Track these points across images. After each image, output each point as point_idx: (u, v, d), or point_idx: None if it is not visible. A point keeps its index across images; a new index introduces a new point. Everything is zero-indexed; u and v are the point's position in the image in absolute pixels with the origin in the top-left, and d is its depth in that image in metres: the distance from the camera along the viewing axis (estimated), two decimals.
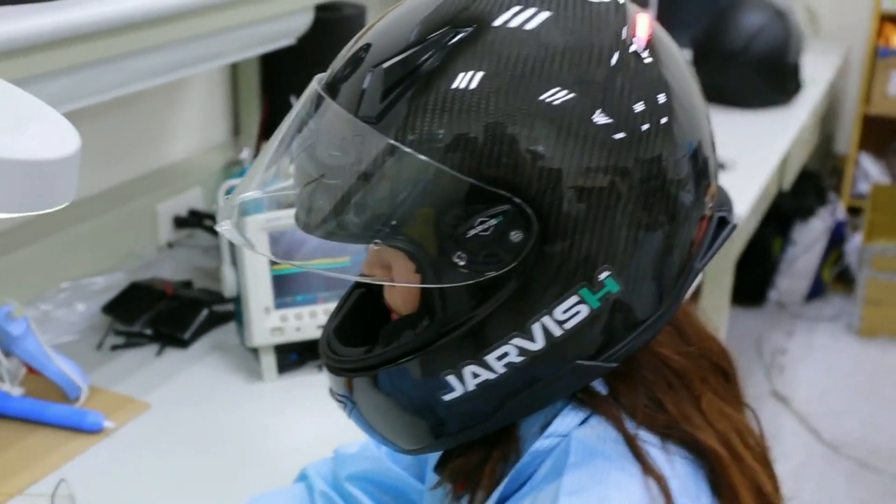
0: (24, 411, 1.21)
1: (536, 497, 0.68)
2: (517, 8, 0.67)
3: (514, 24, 0.66)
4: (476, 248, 0.65)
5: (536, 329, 0.67)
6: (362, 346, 0.74)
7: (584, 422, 0.70)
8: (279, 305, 1.30)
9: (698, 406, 0.73)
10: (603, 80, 0.65)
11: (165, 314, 1.42)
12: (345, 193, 0.67)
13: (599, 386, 0.72)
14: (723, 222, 0.74)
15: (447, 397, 0.70)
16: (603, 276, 0.66)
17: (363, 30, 0.71)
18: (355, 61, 0.68)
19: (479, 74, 0.64)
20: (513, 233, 0.65)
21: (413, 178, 0.65)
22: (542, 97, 0.64)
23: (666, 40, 0.71)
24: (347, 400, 0.74)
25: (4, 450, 1.17)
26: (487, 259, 0.65)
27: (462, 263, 0.66)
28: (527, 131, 0.63)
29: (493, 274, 0.66)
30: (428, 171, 0.64)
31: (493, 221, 0.64)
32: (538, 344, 0.67)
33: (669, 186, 0.67)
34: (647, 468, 0.68)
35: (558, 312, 0.67)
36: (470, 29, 0.66)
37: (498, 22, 0.66)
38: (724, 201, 0.76)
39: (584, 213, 0.65)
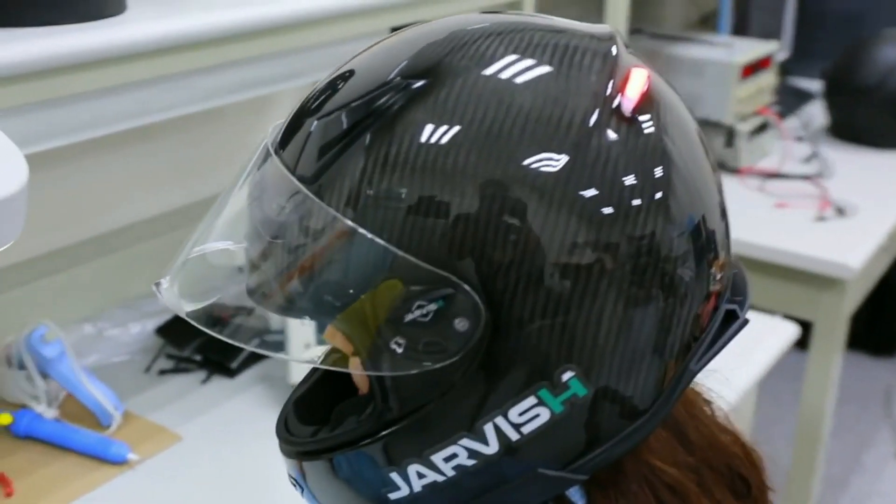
0: (52, 435, 1.19)
1: None
2: (484, 58, 0.57)
3: (472, 77, 0.56)
4: (415, 335, 0.55)
5: (489, 430, 0.57)
6: (324, 421, 0.67)
7: None
8: (321, 342, 1.24)
9: None
10: (570, 146, 0.55)
11: (216, 341, 1.36)
12: (276, 260, 0.59)
13: (577, 497, 0.62)
14: (731, 316, 0.62)
15: (393, 496, 0.61)
16: (566, 376, 0.56)
17: (333, 69, 0.63)
18: (304, 110, 0.60)
19: (421, 134, 0.55)
20: (457, 320, 0.55)
21: (343, 248, 0.56)
22: (492, 163, 0.54)
23: (669, 99, 0.60)
24: (297, 483, 0.66)
25: (30, 474, 1.15)
26: (428, 348, 0.56)
27: (399, 351, 0.56)
28: (468, 201, 0.53)
29: (433, 366, 0.56)
30: (359, 243, 0.55)
31: (433, 306, 0.55)
32: (491, 448, 0.58)
33: (661, 269, 0.57)
34: None
35: (513, 414, 0.57)
36: (425, 81, 0.56)
37: (457, 74, 0.57)
38: (739, 289, 0.64)
39: (543, 301, 0.54)
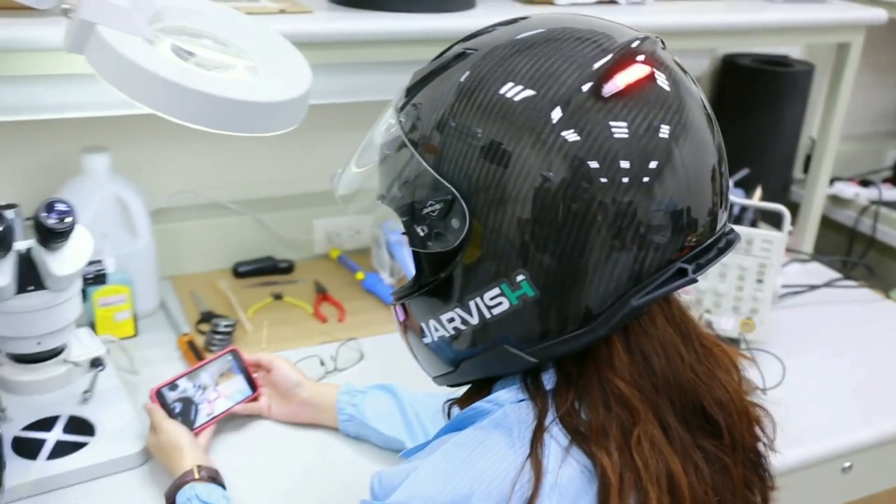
0: (382, 294, 1.69)
1: (449, 439, 0.79)
2: (512, 38, 0.78)
3: (500, 51, 0.77)
4: (430, 224, 0.78)
5: (472, 306, 0.78)
6: None
7: (520, 401, 0.78)
8: None
9: (626, 434, 0.75)
10: (538, 114, 0.74)
11: None
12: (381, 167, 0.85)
13: (548, 379, 0.79)
14: (682, 272, 0.76)
15: (425, 340, 0.85)
16: (519, 278, 0.75)
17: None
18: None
19: (454, 93, 0.78)
20: (453, 220, 0.76)
21: (404, 162, 0.80)
22: (497, 120, 0.75)
23: (676, 101, 0.76)
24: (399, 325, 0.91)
25: (361, 312, 1.65)
26: (437, 236, 0.78)
27: (422, 234, 0.79)
28: (472, 148, 0.75)
29: (440, 248, 0.78)
30: (411, 160, 0.79)
31: (439, 206, 0.77)
32: (474, 319, 0.79)
33: (593, 221, 0.72)
34: (533, 454, 0.74)
35: (487, 298, 0.77)
36: (469, 52, 0.79)
37: (488, 48, 0.78)
38: (710, 256, 0.78)
39: (509, 221, 0.74)
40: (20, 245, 1.11)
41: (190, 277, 1.73)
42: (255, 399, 1.32)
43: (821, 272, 1.93)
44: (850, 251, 2.37)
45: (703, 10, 1.72)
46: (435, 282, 0.81)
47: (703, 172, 0.77)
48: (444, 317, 0.82)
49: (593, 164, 0.73)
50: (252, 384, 1.33)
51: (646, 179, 0.73)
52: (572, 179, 0.73)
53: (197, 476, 1.11)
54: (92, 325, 1.48)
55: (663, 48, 0.81)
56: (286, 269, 1.78)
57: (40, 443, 1.21)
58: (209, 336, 1.50)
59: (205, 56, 1.09)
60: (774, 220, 1.67)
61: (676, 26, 1.63)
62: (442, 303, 0.81)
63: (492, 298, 0.77)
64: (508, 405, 0.79)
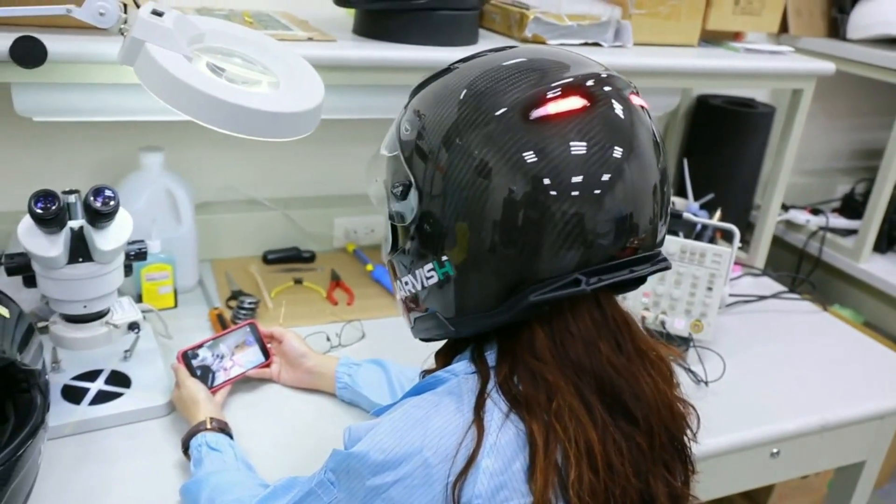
0: (385, 282, 1.70)
1: (409, 401, 0.80)
2: (485, 62, 0.80)
3: (462, 67, 0.81)
4: (395, 202, 0.83)
5: (417, 274, 0.83)
6: None
7: (472, 373, 0.80)
8: None
9: (550, 403, 0.76)
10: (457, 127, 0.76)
11: None
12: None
13: (490, 355, 0.81)
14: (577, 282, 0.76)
15: (397, 296, 0.90)
16: (444, 258, 0.79)
17: None
18: None
19: (424, 101, 0.82)
20: (409, 202, 0.81)
21: (394, 156, 0.85)
22: (443, 130, 0.78)
23: (614, 128, 0.75)
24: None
25: (368, 298, 1.66)
26: (400, 214, 0.83)
27: (393, 210, 0.84)
28: (426, 151, 0.79)
29: (402, 224, 0.82)
30: (396, 155, 0.84)
31: (400, 188, 0.82)
32: (418, 286, 0.84)
33: (511, 226, 0.74)
34: (477, 417, 0.75)
35: (426, 270, 0.81)
36: (452, 68, 0.83)
37: (463, 68, 0.81)
38: (611, 269, 0.76)
39: (441, 212, 0.78)
40: (74, 223, 1.14)
41: (226, 261, 1.75)
42: (267, 366, 1.34)
43: (770, 285, 1.92)
44: (799, 269, 2.35)
45: (678, 54, 1.72)
46: (400, 249, 0.85)
47: (645, 188, 0.77)
48: (404, 279, 0.86)
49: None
50: (265, 352, 1.35)
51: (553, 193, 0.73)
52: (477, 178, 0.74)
53: (209, 426, 1.12)
54: (139, 296, 1.51)
55: (627, 86, 0.79)
56: (308, 258, 1.80)
57: (85, 391, 1.23)
58: (235, 311, 1.52)
59: (235, 72, 1.11)
60: (730, 238, 1.67)
61: (652, 67, 1.63)
62: (404, 267, 0.86)
63: (428, 271, 0.81)
64: (462, 375, 0.80)
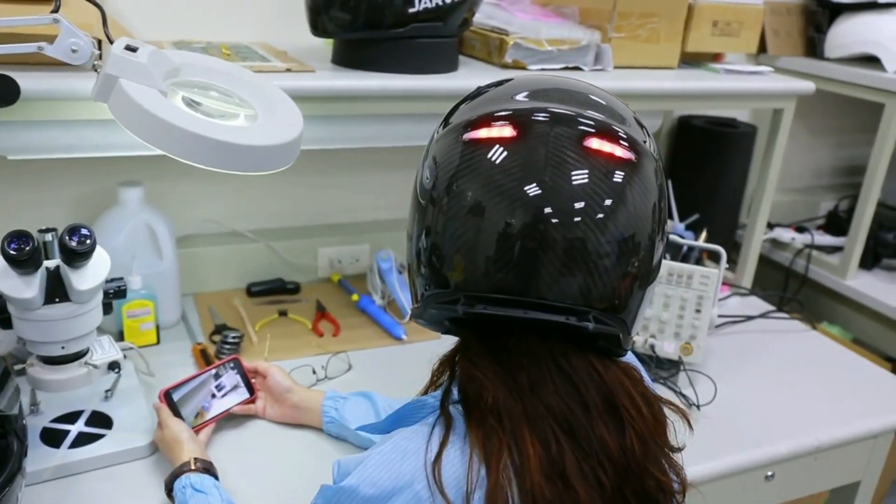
0: (373, 313, 1.68)
1: (400, 432, 0.82)
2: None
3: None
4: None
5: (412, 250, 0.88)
6: None
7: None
8: None
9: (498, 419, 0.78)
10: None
11: None
12: None
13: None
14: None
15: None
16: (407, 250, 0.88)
17: None
18: None
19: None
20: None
21: None
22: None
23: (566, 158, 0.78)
24: None
25: (353, 328, 1.64)
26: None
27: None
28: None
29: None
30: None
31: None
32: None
33: (432, 235, 0.81)
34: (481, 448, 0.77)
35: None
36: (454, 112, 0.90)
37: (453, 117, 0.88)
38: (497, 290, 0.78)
39: (424, 221, 0.84)
40: (49, 263, 1.11)
41: (209, 295, 1.73)
42: (252, 401, 1.32)
43: (758, 305, 1.91)
44: (786, 287, 2.34)
45: (659, 77, 1.72)
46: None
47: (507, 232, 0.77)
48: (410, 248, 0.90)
49: None
50: (250, 388, 1.32)
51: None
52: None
53: (193, 467, 1.10)
54: (120, 333, 1.48)
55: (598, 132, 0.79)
56: (293, 289, 1.78)
57: (65, 433, 1.21)
58: (219, 345, 1.50)
59: (211, 105, 1.09)
60: (717, 259, 1.66)
61: (633, 90, 1.63)
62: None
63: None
64: (451, 402, 0.81)
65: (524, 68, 1.61)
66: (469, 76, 1.52)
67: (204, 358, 1.46)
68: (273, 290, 1.77)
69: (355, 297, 1.74)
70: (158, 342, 1.52)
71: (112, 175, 1.57)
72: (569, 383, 0.79)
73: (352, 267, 1.87)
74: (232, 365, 1.32)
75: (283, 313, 1.68)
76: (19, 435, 0.99)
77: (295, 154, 1.11)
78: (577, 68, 1.66)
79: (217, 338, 1.54)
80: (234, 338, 1.50)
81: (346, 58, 1.49)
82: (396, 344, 1.61)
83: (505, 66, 1.60)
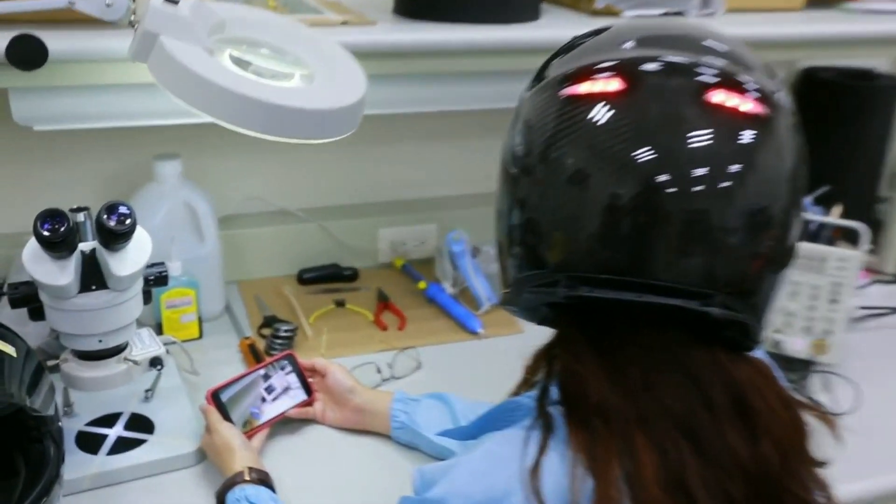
0: (443, 302, 1.71)
1: (492, 436, 0.84)
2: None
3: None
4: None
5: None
6: None
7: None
8: None
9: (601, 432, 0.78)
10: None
11: None
12: None
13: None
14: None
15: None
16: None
17: None
18: None
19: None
20: None
21: None
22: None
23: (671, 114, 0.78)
24: None
25: (420, 321, 1.67)
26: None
27: None
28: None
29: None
30: None
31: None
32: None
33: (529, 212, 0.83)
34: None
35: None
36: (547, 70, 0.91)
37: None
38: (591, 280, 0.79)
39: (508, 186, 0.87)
40: (85, 246, 1.16)
41: (255, 282, 1.78)
42: (309, 404, 1.35)
43: None
44: None
45: (780, 21, 1.69)
46: None
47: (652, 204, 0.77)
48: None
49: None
50: (307, 388, 1.36)
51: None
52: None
53: (247, 478, 1.13)
54: (159, 326, 1.53)
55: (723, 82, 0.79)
56: (350, 276, 1.82)
57: (102, 438, 1.26)
58: (270, 340, 1.54)
59: (262, 65, 1.12)
60: (853, 239, 1.63)
61: (750, 37, 1.60)
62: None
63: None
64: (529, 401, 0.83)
65: (617, 15, 1.60)
66: (554, 25, 1.53)
67: (253, 354, 1.50)
68: (328, 277, 1.80)
69: (422, 284, 1.76)
70: (201, 336, 1.57)
71: (147, 148, 1.62)
72: (689, 379, 0.79)
73: (417, 250, 1.90)
74: (285, 362, 1.36)
75: (339, 303, 1.71)
76: (56, 438, 1.04)
77: (357, 119, 1.14)
78: (679, 13, 1.65)
79: (267, 331, 1.58)
80: (286, 331, 1.54)
81: (410, 7, 1.50)
82: (471, 339, 1.63)
83: (595, 14, 1.60)
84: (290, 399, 1.34)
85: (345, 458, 1.29)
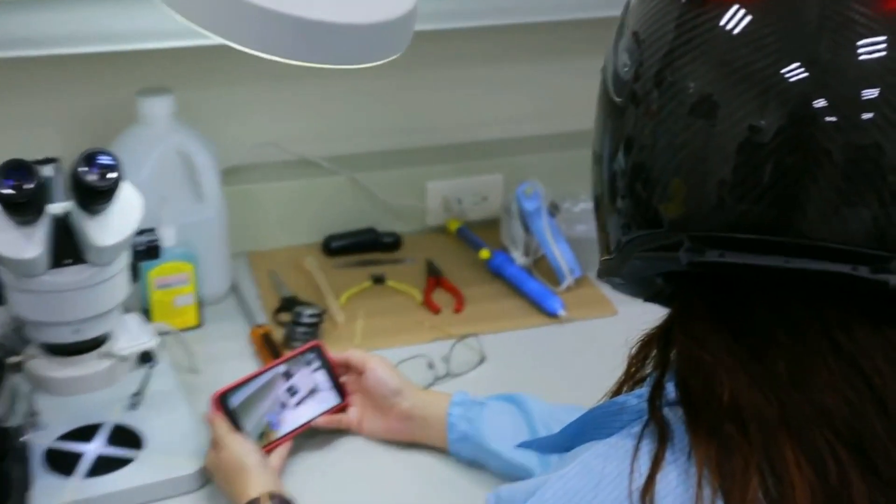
0: (512, 277, 1.69)
1: (591, 447, 0.82)
2: None
3: None
4: None
5: None
6: None
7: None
8: None
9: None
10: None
11: None
12: None
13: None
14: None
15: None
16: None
17: None
18: None
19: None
20: None
21: None
22: None
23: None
24: None
25: (482, 301, 1.66)
26: None
27: None
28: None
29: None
30: None
31: None
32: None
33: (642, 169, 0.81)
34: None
35: None
36: None
37: None
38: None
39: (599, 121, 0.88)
40: (56, 208, 1.15)
41: (269, 254, 1.77)
42: (342, 409, 1.34)
43: None
44: None
45: None
46: None
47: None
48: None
49: None
50: (339, 390, 1.35)
51: None
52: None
53: None
54: (146, 312, 1.53)
55: None
56: (391, 244, 1.81)
57: (78, 456, 1.25)
58: (290, 328, 1.53)
59: None
60: None
61: None
62: None
63: None
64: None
65: None
66: None
67: (269, 347, 1.49)
68: (362, 246, 1.79)
69: (485, 253, 1.74)
70: (200, 324, 1.57)
71: (128, 80, 1.60)
72: (855, 372, 0.77)
73: (477, 209, 1.88)
74: (311, 356, 1.35)
75: (378, 279, 1.70)
76: (21, 457, 1.03)
77: (406, 38, 1.12)
78: None
79: (286, 317, 1.57)
80: (310, 317, 1.53)
81: None
82: (551, 323, 1.61)
83: None
84: (318, 404, 1.33)
85: (389, 478, 1.28)
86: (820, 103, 0.74)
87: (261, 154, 1.79)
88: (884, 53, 0.74)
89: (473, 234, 1.82)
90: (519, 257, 1.72)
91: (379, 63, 1.10)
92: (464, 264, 1.75)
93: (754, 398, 0.77)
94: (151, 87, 1.56)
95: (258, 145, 1.78)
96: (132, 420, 1.31)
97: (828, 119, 0.74)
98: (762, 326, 0.80)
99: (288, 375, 1.33)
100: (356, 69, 1.08)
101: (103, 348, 1.24)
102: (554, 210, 1.72)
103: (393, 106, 1.85)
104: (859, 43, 0.75)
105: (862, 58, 0.75)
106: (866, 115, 0.74)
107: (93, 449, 1.26)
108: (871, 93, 0.74)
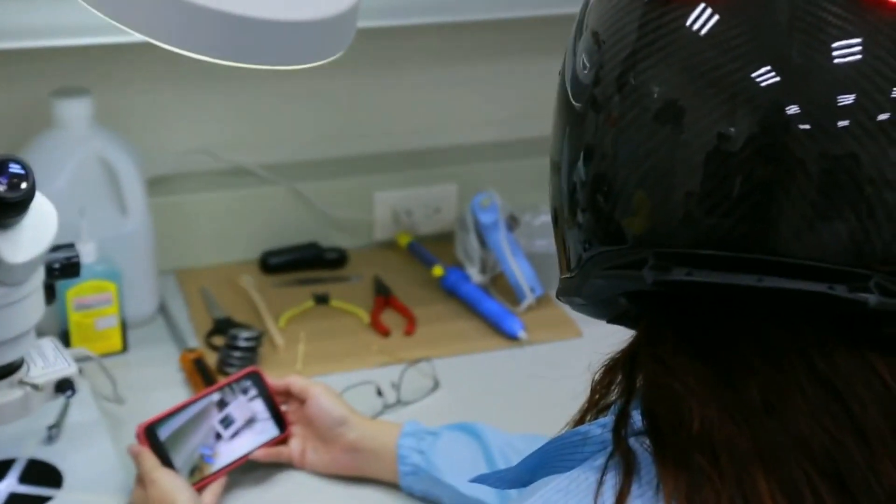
0: (467, 295, 1.70)
1: (550, 481, 0.82)
2: None
3: None
4: None
5: None
6: None
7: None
8: None
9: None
10: None
11: None
12: None
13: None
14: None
15: None
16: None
17: None
18: None
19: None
20: None
21: None
22: None
23: None
24: None
25: (434, 322, 1.67)
26: None
27: None
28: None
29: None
30: None
31: None
32: None
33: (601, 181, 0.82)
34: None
35: None
36: None
37: None
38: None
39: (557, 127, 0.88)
40: None
41: (201, 271, 1.77)
42: (283, 441, 1.35)
43: None
44: None
45: None
46: None
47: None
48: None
49: None
50: (279, 420, 1.35)
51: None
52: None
53: None
54: (64, 335, 1.52)
55: None
56: (335, 260, 1.81)
57: None
58: (224, 353, 1.53)
59: None
60: None
61: None
62: None
63: None
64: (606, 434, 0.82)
65: None
66: None
67: (201, 373, 1.49)
68: (304, 263, 1.80)
69: (438, 270, 1.76)
70: (125, 349, 1.57)
71: (43, 80, 1.60)
72: (833, 398, 0.78)
73: (429, 222, 1.89)
74: (248, 383, 1.35)
75: (321, 299, 1.71)
76: None
77: (348, 36, 1.13)
78: None
79: (219, 340, 1.57)
80: (247, 340, 1.53)
81: None
82: (510, 345, 1.63)
83: None
84: (255, 435, 1.33)
85: None
86: (792, 109, 0.74)
87: (191, 162, 1.79)
88: (859, 56, 0.75)
89: (425, 250, 1.83)
90: (475, 274, 1.73)
91: (319, 63, 1.11)
92: (415, 282, 1.76)
93: (726, 427, 0.77)
94: (68, 87, 1.55)
95: (188, 152, 1.79)
96: (49, 455, 1.31)
97: (801, 127, 0.74)
98: (733, 350, 0.80)
99: (222, 404, 1.33)
100: (294, 70, 1.09)
101: (15, 376, 1.23)
102: (513, 223, 1.73)
103: (337, 110, 1.86)
104: (833, 45, 0.75)
105: (836, 61, 0.75)
106: (842, 123, 0.74)
107: (4, 487, 1.26)
108: (846, 99, 0.74)
